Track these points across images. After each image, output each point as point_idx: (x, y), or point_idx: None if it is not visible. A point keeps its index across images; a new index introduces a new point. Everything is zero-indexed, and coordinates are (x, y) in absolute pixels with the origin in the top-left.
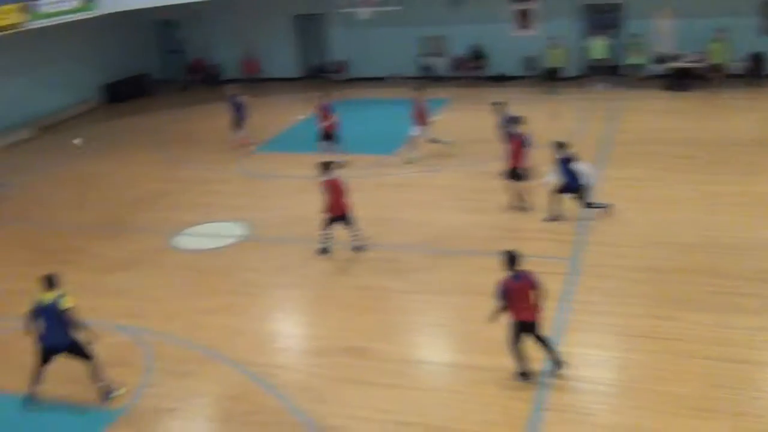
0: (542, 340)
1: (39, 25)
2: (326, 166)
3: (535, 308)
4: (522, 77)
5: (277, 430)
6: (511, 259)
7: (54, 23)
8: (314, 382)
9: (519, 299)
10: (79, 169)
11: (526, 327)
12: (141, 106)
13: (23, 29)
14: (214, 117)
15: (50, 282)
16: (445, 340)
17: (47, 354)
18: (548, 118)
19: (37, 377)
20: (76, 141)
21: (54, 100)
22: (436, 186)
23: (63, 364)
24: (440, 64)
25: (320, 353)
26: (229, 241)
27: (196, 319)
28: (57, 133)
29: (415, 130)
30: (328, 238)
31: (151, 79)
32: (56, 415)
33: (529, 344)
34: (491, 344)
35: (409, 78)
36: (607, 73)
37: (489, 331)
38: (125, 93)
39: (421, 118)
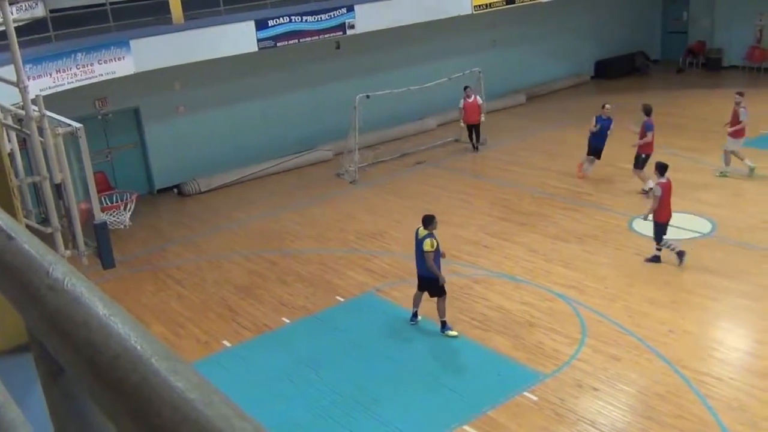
0: None
1: None
2: (662, 169)
3: None
4: None
5: None
6: None
7: None
8: (750, 404)
9: None
10: (554, 138)
11: None
12: (630, 84)
13: (538, 2)
14: (704, 104)
15: (425, 221)
16: None
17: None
18: None
19: (415, 299)
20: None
21: (549, 71)
22: None
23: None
24: None
25: (765, 375)
26: (690, 235)
27: (637, 306)
28: (544, 101)
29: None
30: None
31: (647, 59)
32: (489, 362)
33: None
34: None
35: None
36: None
37: None
38: (617, 70)
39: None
